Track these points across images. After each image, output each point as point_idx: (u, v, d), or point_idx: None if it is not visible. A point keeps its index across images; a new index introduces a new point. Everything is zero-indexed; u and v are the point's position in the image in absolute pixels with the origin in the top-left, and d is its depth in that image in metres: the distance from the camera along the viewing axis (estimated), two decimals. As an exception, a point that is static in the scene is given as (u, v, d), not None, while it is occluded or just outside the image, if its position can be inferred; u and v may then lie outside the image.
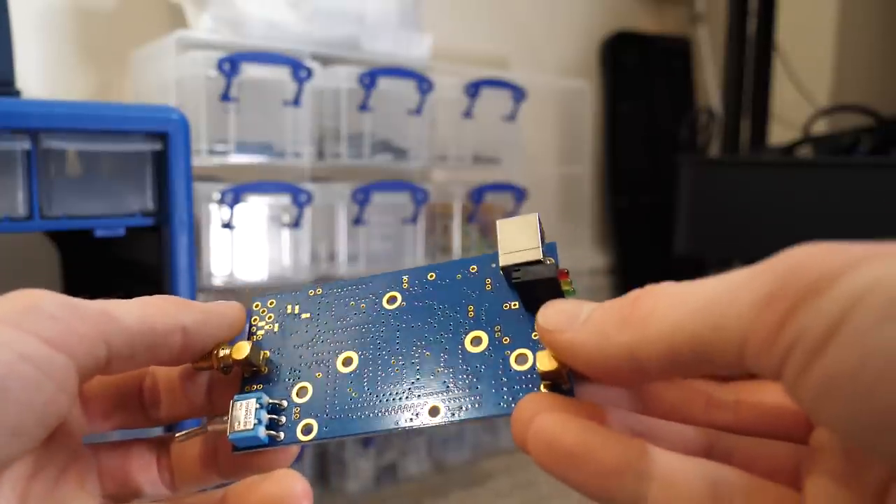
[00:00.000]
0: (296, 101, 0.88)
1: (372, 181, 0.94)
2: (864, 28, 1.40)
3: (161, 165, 0.64)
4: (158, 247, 0.66)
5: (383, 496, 0.98)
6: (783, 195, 0.88)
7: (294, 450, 0.21)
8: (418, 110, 0.97)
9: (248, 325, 0.23)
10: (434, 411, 0.19)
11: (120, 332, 0.19)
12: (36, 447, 0.18)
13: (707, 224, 0.98)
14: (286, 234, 0.89)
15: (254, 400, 0.20)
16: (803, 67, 1.28)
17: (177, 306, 0.20)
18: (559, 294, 0.19)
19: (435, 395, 0.20)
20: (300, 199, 0.87)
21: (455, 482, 1.02)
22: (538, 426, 0.17)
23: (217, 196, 0.82)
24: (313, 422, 0.20)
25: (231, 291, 0.89)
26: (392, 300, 0.22)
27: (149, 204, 0.65)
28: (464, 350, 0.20)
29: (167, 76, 0.83)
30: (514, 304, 0.20)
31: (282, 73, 0.86)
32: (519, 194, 1.08)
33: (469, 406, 0.19)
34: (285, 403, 0.21)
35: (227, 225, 0.83)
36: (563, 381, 0.18)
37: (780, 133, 1.21)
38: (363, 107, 0.93)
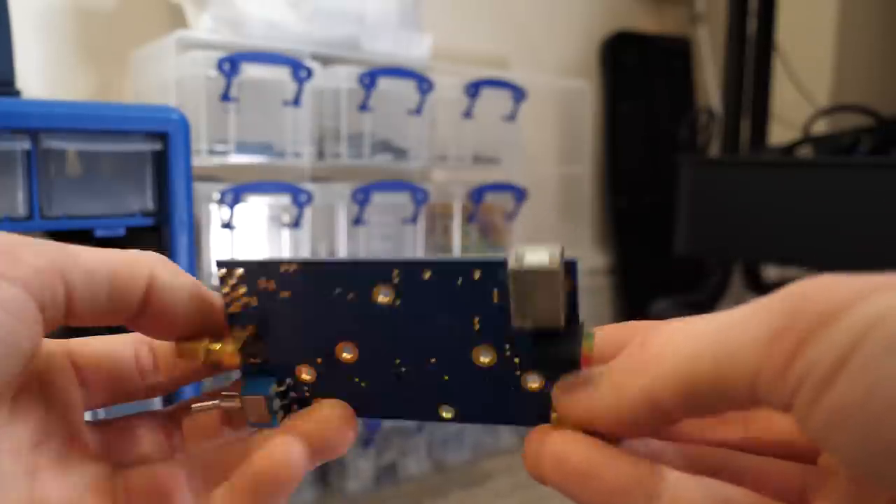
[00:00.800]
0: (296, 101, 0.88)
1: (372, 181, 0.94)
2: (864, 28, 1.40)
3: (161, 165, 0.64)
4: (158, 247, 0.66)
5: (383, 496, 0.98)
6: (783, 195, 0.88)
7: None
8: (418, 110, 0.97)
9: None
10: (446, 411, 0.20)
11: (79, 269, 0.18)
12: (25, 416, 0.18)
13: (707, 224, 0.98)
14: (286, 234, 0.89)
15: (263, 398, 0.20)
16: (803, 67, 1.28)
17: (148, 260, 0.20)
18: (577, 361, 0.18)
19: (445, 403, 0.20)
20: (300, 199, 0.87)
21: (455, 482, 1.02)
22: (548, 444, 0.17)
23: (217, 196, 0.82)
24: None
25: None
26: (383, 294, 0.20)
27: (149, 204, 0.65)
28: (471, 363, 0.19)
29: (167, 76, 0.83)
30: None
31: (282, 73, 0.86)
32: (519, 194, 1.08)
33: (480, 413, 0.20)
34: (290, 382, 0.21)
35: (227, 225, 0.83)
36: None
37: (780, 133, 1.21)
38: (363, 107, 0.93)
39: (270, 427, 0.20)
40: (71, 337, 0.22)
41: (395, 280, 0.19)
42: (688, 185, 1.00)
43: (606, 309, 1.47)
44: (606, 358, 0.18)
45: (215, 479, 0.20)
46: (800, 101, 1.25)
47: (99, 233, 0.62)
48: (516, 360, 0.19)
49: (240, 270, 0.21)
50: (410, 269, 0.19)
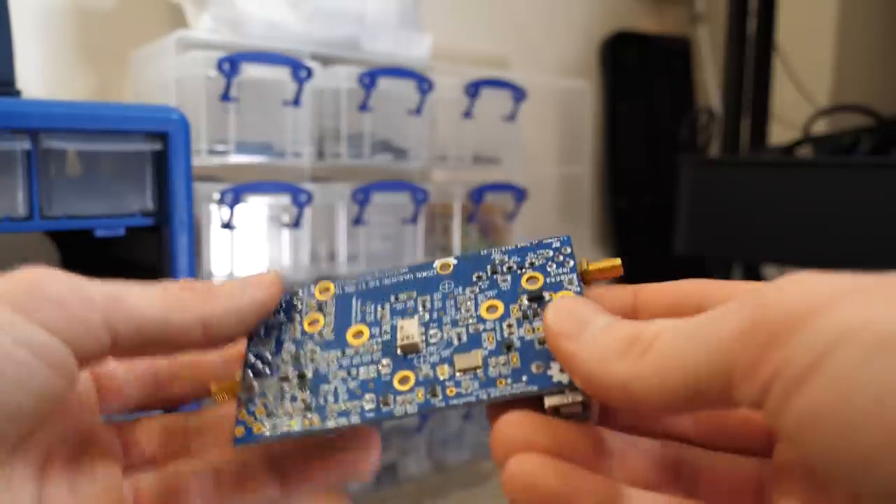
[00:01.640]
0: (296, 101, 0.88)
1: (372, 181, 0.94)
2: (864, 28, 1.40)
3: (161, 165, 0.64)
4: (158, 247, 0.66)
5: (383, 496, 0.98)
6: (783, 195, 0.88)
7: None
8: (418, 110, 0.97)
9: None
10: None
11: (129, 320, 0.18)
12: (38, 428, 0.18)
13: (707, 224, 0.98)
14: (286, 234, 0.89)
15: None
16: (803, 67, 1.28)
17: (199, 298, 0.19)
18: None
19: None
20: (300, 199, 0.87)
21: (455, 482, 1.02)
22: (516, 468, 0.17)
23: (217, 196, 0.82)
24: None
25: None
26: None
27: (149, 204, 0.65)
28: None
29: (167, 76, 0.83)
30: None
31: (282, 73, 0.86)
32: (519, 194, 1.08)
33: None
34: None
35: (227, 225, 0.83)
36: None
37: (780, 133, 1.21)
38: (363, 107, 0.93)
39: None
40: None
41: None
42: (688, 185, 1.00)
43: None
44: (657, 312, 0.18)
45: (225, 483, 0.20)
46: (800, 101, 1.25)
47: (99, 233, 0.62)
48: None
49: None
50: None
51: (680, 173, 1.01)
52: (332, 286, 0.23)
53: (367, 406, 0.20)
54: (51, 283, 0.17)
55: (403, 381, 0.20)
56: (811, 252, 0.86)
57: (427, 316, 0.21)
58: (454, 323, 0.21)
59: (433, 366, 0.20)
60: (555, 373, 0.19)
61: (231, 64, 0.81)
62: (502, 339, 0.20)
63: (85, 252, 0.83)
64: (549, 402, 0.19)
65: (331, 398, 0.20)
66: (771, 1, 1.09)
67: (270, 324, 0.23)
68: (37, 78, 0.90)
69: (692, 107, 1.51)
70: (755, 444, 0.19)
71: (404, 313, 0.22)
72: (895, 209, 0.77)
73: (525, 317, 0.21)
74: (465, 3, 1.27)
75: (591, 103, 1.31)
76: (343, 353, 0.22)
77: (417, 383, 0.20)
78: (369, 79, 0.91)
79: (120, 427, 0.21)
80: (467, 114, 1.03)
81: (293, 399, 0.21)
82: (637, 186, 1.47)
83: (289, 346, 0.22)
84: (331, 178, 0.98)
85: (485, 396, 0.19)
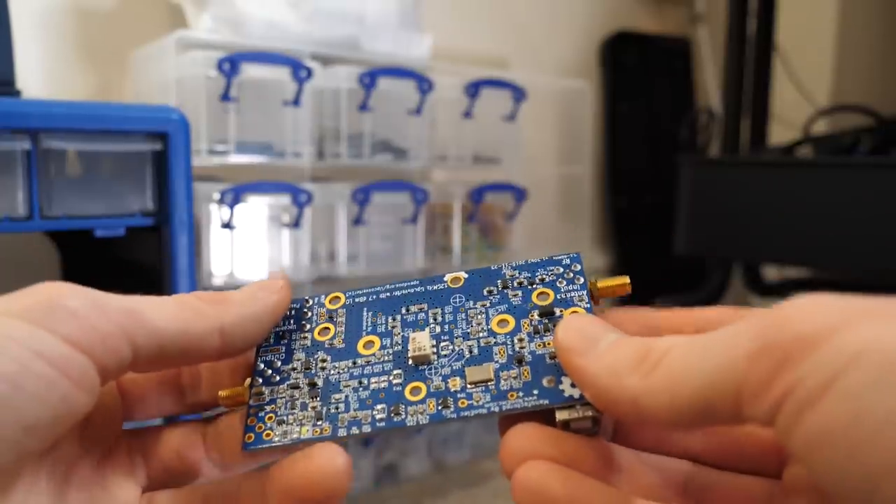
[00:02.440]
0: (296, 101, 0.88)
1: (372, 181, 0.94)
2: (864, 28, 1.40)
3: (161, 165, 0.64)
4: (158, 247, 0.66)
5: (383, 496, 0.98)
6: (783, 195, 0.88)
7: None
8: (418, 110, 0.97)
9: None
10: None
11: (148, 333, 0.18)
12: (59, 442, 0.18)
13: (707, 224, 0.98)
14: (286, 234, 0.89)
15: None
16: (803, 67, 1.28)
17: (215, 306, 0.20)
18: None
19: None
20: (300, 199, 0.87)
21: (455, 482, 1.02)
22: (524, 476, 0.17)
23: (217, 196, 0.82)
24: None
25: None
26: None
27: (149, 204, 0.65)
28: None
29: (167, 76, 0.83)
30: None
31: (282, 73, 0.86)
32: (519, 194, 1.08)
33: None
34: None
35: (227, 225, 0.83)
36: None
37: (780, 133, 1.21)
38: (363, 107, 0.93)
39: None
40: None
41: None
42: (688, 185, 1.00)
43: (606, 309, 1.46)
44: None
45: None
46: (800, 101, 1.25)
47: (99, 233, 0.62)
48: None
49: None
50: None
51: (680, 173, 1.01)
52: (342, 296, 0.23)
53: (379, 416, 0.20)
54: (70, 296, 0.17)
55: (415, 391, 0.20)
56: (811, 252, 0.86)
57: (438, 328, 0.22)
58: (465, 336, 0.21)
59: (445, 378, 0.20)
60: (566, 387, 0.19)
61: (231, 64, 0.81)
62: (513, 353, 0.20)
63: (85, 252, 0.83)
64: (560, 416, 0.19)
65: (342, 407, 0.21)
66: (771, 1, 1.09)
67: (280, 332, 0.23)
68: (37, 78, 0.90)
69: (692, 107, 1.51)
70: (765, 465, 0.19)
71: (415, 325, 0.22)
72: (895, 209, 0.77)
73: (536, 332, 0.21)
74: (465, 3, 1.27)
75: (591, 103, 1.31)
76: (354, 363, 0.22)
77: (429, 394, 0.20)
78: (369, 79, 0.91)
79: (141, 437, 0.21)
80: (467, 114, 1.03)
81: (304, 407, 0.21)
82: (637, 186, 1.47)
83: (299, 355, 0.22)
84: (331, 178, 0.98)
85: (496, 409, 0.19)
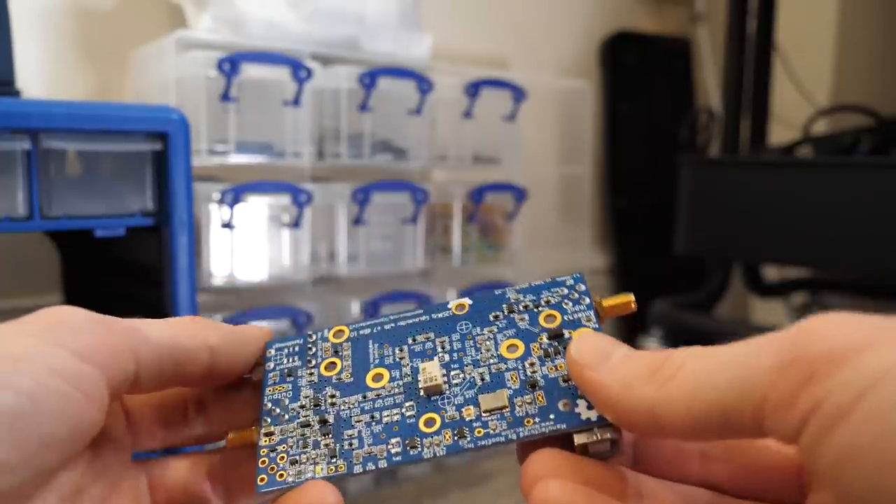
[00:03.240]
0: (296, 101, 0.88)
1: (372, 181, 0.94)
2: (864, 28, 1.40)
3: (161, 165, 0.64)
4: (158, 247, 0.66)
5: (383, 496, 0.98)
6: (783, 195, 0.88)
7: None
8: (418, 110, 0.97)
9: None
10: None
11: (148, 348, 0.19)
12: (72, 460, 0.18)
13: (707, 224, 0.98)
14: (286, 234, 0.89)
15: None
16: (803, 67, 1.28)
17: (203, 326, 0.21)
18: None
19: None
20: (300, 199, 0.87)
21: (455, 482, 1.02)
22: (543, 494, 0.17)
23: (217, 196, 0.82)
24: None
25: (231, 291, 0.89)
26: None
27: (149, 204, 0.65)
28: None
29: (167, 76, 0.83)
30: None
31: (282, 73, 0.86)
32: (519, 194, 1.08)
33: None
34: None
35: (227, 225, 0.83)
36: None
37: (780, 133, 1.21)
38: (363, 107, 0.93)
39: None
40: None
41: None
42: (688, 185, 1.00)
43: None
44: None
45: None
46: (800, 101, 1.25)
47: (99, 233, 0.62)
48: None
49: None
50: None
51: (680, 173, 1.01)
52: (346, 329, 0.23)
53: (394, 450, 0.20)
54: (74, 316, 0.18)
55: (429, 423, 0.20)
56: (811, 252, 0.86)
57: (447, 357, 0.21)
58: (476, 363, 0.21)
59: (459, 408, 0.20)
60: (582, 410, 0.19)
61: (231, 64, 0.82)
62: (526, 378, 0.20)
63: (85, 252, 0.83)
64: (579, 439, 0.19)
65: (355, 443, 0.20)
66: (771, 1, 1.09)
67: (285, 370, 0.23)
68: (37, 78, 0.90)
69: (692, 107, 1.51)
70: (786, 494, 0.19)
71: (423, 355, 0.22)
72: (895, 209, 0.77)
73: (546, 355, 0.21)
74: (465, 3, 1.27)
75: (591, 103, 1.31)
76: (364, 396, 0.21)
77: (444, 425, 0.20)
78: (369, 79, 0.91)
79: (148, 467, 0.22)
80: (467, 114, 1.03)
81: (316, 445, 0.21)
82: (637, 186, 1.47)
83: (307, 391, 0.22)
84: (331, 178, 0.98)
85: (514, 437, 0.19)
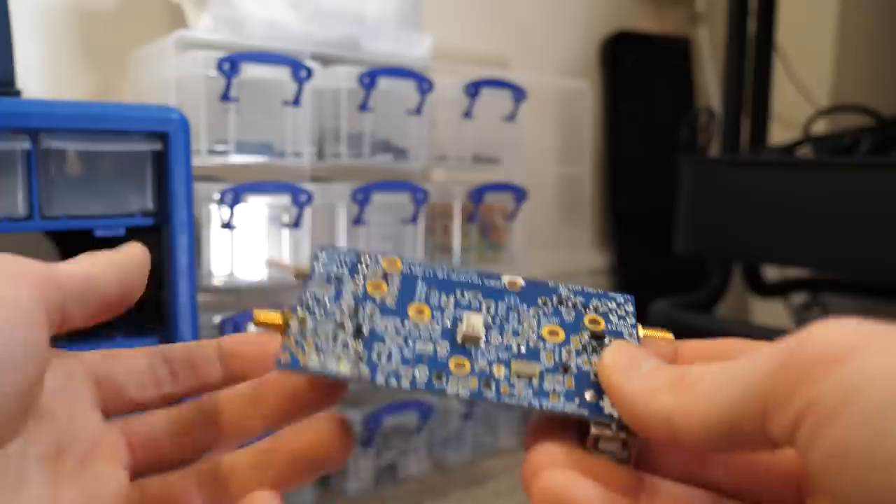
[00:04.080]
0: (296, 101, 0.88)
1: (372, 181, 0.94)
2: (864, 28, 1.40)
3: (161, 165, 0.64)
4: (158, 247, 0.66)
5: (383, 496, 0.98)
6: (783, 195, 0.88)
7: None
8: (418, 110, 0.97)
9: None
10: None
11: (63, 278, 0.20)
12: (43, 417, 0.19)
13: (707, 224, 0.98)
14: (286, 234, 0.89)
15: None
16: (803, 67, 1.28)
17: (94, 259, 0.22)
18: None
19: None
20: (300, 199, 0.87)
21: (455, 482, 1.02)
22: (549, 482, 0.18)
23: (217, 196, 0.82)
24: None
25: (231, 291, 0.89)
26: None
27: (149, 204, 0.65)
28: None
29: (167, 76, 0.83)
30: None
31: (282, 73, 0.86)
32: (519, 194, 1.08)
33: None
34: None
35: (227, 225, 0.83)
36: None
37: (780, 133, 1.21)
38: (363, 107, 0.93)
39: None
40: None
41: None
42: (688, 185, 1.00)
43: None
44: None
45: (225, 491, 0.20)
46: (800, 101, 1.25)
47: (99, 233, 0.62)
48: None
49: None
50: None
51: (680, 173, 1.01)
52: (399, 262, 0.23)
53: (420, 375, 0.20)
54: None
55: (459, 366, 0.20)
56: (811, 252, 0.86)
57: (490, 319, 0.22)
58: (515, 333, 0.21)
59: (490, 363, 0.20)
60: (606, 405, 0.19)
61: (231, 64, 0.82)
62: (560, 361, 0.21)
63: (85, 252, 0.83)
64: (595, 430, 0.19)
65: (384, 359, 0.20)
66: (771, 1, 1.09)
67: (331, 274, 0.22)
68: (37, 78, 0.90)
69: (692, 107, 1.51)
70: (785, 499, 0.19)
71: (469, 308, 0.22)
72: (895, 209, 0.77)
73: (584, 349, 0.21)
74: (465, 3, 1.27)
75: (591, 103, 1.31)
76: (403, 323, 0.21)
77: (472, 372, 0.20)
78: (369, 79, 0.91)
79: (121, 424, 0.22)
80: (467, 114, 1.03)
81: (345, 345, 0.20)
82: (637, 186, 1.47)
83: (348, 300, 0.22)
84: (331, 178, 0.98)
85: (536, 405, 0.19)
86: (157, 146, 0.64)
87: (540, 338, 0.21)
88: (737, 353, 0.20)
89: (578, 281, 0.25)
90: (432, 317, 0.21)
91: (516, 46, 1.33)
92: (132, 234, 0.64)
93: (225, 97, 0.83)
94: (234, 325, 0.83)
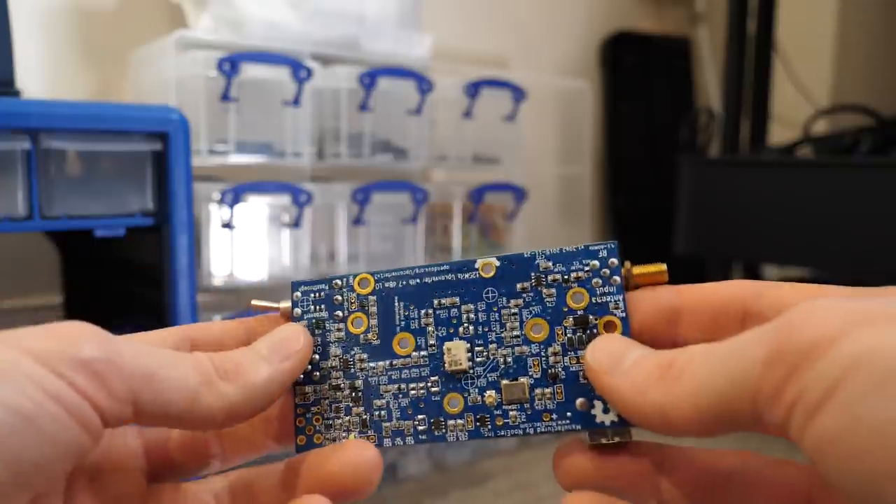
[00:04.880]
0: (296, 101, 0.88)
1: (372, 181, 0.94)
2: (864, 28, 1.40)
3: (161, 165, 0.64)
4: (158, 247, 0.66)
5: (383, 496, 0.98)
6: (783, 195, 0.88)
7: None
8: (418, 110, 0.97)
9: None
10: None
11: (155, 401, 0.18)
12: (73, 487, 0.19)
13: (707, 224, 0.98)
14: (286, 234, 0.89)
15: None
16: (803, 67, 1.28)
17: (226, 384, 0.19)
18: None
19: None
20: (300, 199, 0.87)
21: (455, 482, 1.02)
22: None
23: (217, 196, 0.82)
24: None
25: (231, 291, 0.89)
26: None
27: (149, 204, 0.65)
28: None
29: (167, 76, 0.83)
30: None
31: (282, 73, 0.86)
32: (519, 194, 1.08)
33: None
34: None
35: (227, 225, 0.83)
36: None
37: (780, 133, 1.21)
38: (363, 107, 0.93)
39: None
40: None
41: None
42: (688, 185, 1.00)
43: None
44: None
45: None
46: (800, 101, 1.25)
47: (99, 233, 0.62)
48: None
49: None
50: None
51: (680, 173, 1.01)
52: (371, 279, 0.23)
53: (420, 427, 0.21)
54: (88, 345, 0.17)
55: (453, 402, 0.21)
56: (811, 252, 0.86)
57: (472, 330, 0.22)
58: (500, 342, 0.22)
59: (481, 391, 0.21)
60: (598, 413, 0.20)
61: (231, 64, 0.82)
62: (547, 368, 0.21)
63: (85, 252, 0.83)
64: (591, 440, 0.20)
65: (385, 414, 0.22)
66: (771, 1, 1.09)
67: (313, 320, 0.23)
68: (37, 78, 0.90)
69: (692, 107, 1.51)
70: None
71: (448, 324, 0.22)
72: (895, 209, 0.77)
73: (571, 344, 0.21)
74: (465, 3, 1.27)
75: (591, 103, 1.31)
76: (391, 364, 0.22)
77: (466, 408, 0.21)
78: (369, 79, 0.91)
79: (167, 488, 0.22)
80: (467, 114, 1.03)
81: (348, 411, 0.22)
82: (637, 186, 1.47)
83: (336, 350, 0.22)
84: (331, 178, 0.98)
85: (531, 431, 0.21)
86: (157, 146, 0.63)
87: (525, 340, 0.21)
88: (738, 300, 0.20)
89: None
90: (416, 347, 0.22)
91: (516, 46, 1.33)
92: (132, 233, 0.64)
93: (225, 97, 0.83)
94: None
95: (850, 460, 0.13)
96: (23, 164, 0.58)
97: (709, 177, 0.98)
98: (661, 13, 1.57)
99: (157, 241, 0.66)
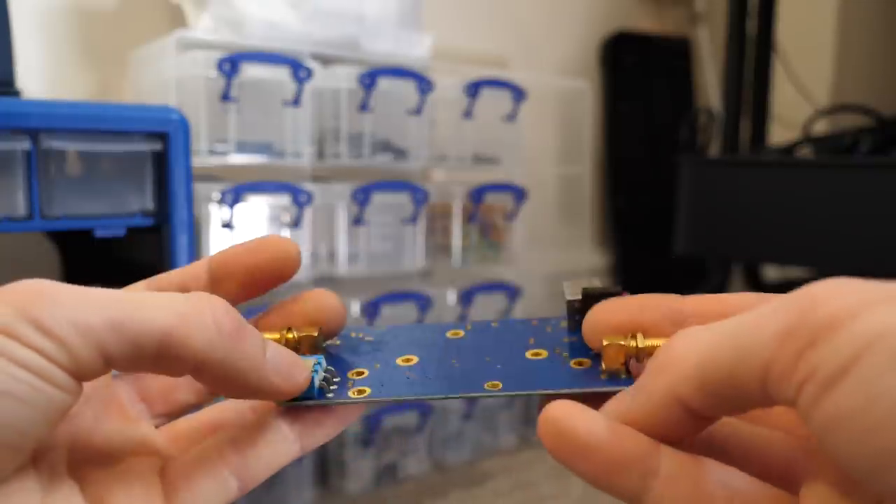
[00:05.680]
0: (296, 101, 0.88)
1: (372, 181, 0.94)
2: (864, 28, 1.40)
3: (161, 165, 0.64)
4: (158, 247, 0.66)
5: (383, 496, 0.98)
6: (783, 195, 0.88)
7: (347, 414, 0.22)
8: (418, 110, 0.97)
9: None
10: (492, 386, 0.21)
11: (123, 346, 0.17)
12: (51, 439, 0.19)
13: (707, 224, 0.98)
14: (286, 234, 0.89)
15: (313, 359, 0.21)
16: (803, 67, 1.28)
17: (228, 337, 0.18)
18: None
19: (493, 378, 0.21)
20: (300, 199, 0.87)
21: (455, 482, 1.02)
22: (551, 413, 0.17)
23: (217, 196, 0.82)
24: (367, 388, 0.21)
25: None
26: (454, 335, 0.23)
27: (149, 204, 0.65)
28: (524, 358, 0.21)
29: (167, 76, 0.83)
30: (574, 338, 0.22)
31: (282, 73, 0.86)
32: (519, 194, 1.08)
33: (526, 385, 0.20)
34: (339, 379, 0.22)
35: (227, 225, 0.83)
36: (622, 373, 0.20)
37: (780, 133, 1.21)
38: (363, 107, 0.93)
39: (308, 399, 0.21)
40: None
41: (468, 327, 0.24)
42: (688, 185, 1.00)
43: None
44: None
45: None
46: (800, 101, 1.25)
47: (99, 233, 0.62)
48: (565, 354, 0.21)
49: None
50: (478, 323, 0.24)
51: (680, 173, 1.01)
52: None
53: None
54: (43, 304, 0.17)
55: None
56: (811, 252, 0.86)
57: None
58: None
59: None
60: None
61: (231, 64, 0.82)
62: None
63: (85, 252, 0.83)
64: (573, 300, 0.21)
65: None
66: (771, 1, 1.09)
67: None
68: (37, 78, 0.90)
69: (692, 107, 1.51)
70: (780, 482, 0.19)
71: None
72: (895, 209, 0.77)
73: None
74: (465, 3, 1.27)
75: (591, 103, 1.31)
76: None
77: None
78: (369, 79, 0.91)
79: (137, 377, 0.23)
80: (467, 114, 1.03)
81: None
82: (637, 186, 1.47)
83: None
84: (331, 178, 0.98)
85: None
86: (157, 146, 0.64)
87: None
88: (744, 311, 0.19)
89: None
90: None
91: (516, 46, 1.33)
92: (132, 233, 0.64)
93: (225, 97, 0.83)
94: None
95: (861, 438, 0.13)
96: (23, 164, 0.58)
97: (709, 177, 0.98)
98: (661, 13, 1.57)
99: (157, 241, 0.66)
